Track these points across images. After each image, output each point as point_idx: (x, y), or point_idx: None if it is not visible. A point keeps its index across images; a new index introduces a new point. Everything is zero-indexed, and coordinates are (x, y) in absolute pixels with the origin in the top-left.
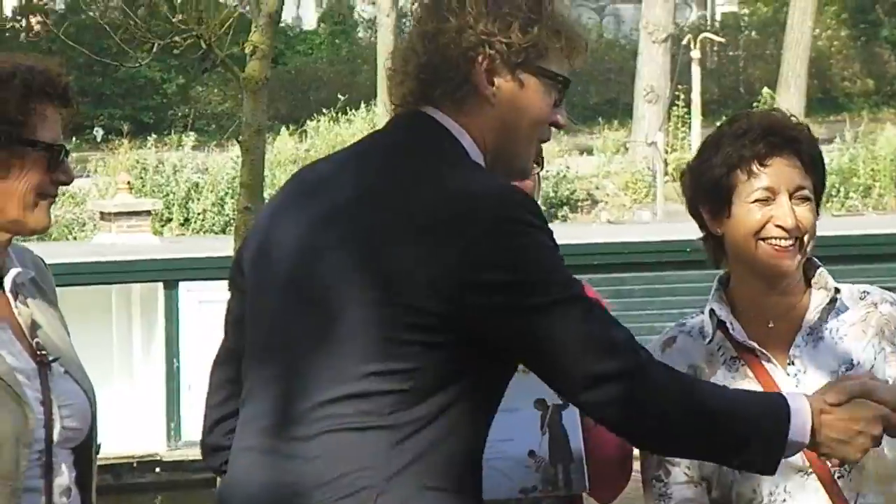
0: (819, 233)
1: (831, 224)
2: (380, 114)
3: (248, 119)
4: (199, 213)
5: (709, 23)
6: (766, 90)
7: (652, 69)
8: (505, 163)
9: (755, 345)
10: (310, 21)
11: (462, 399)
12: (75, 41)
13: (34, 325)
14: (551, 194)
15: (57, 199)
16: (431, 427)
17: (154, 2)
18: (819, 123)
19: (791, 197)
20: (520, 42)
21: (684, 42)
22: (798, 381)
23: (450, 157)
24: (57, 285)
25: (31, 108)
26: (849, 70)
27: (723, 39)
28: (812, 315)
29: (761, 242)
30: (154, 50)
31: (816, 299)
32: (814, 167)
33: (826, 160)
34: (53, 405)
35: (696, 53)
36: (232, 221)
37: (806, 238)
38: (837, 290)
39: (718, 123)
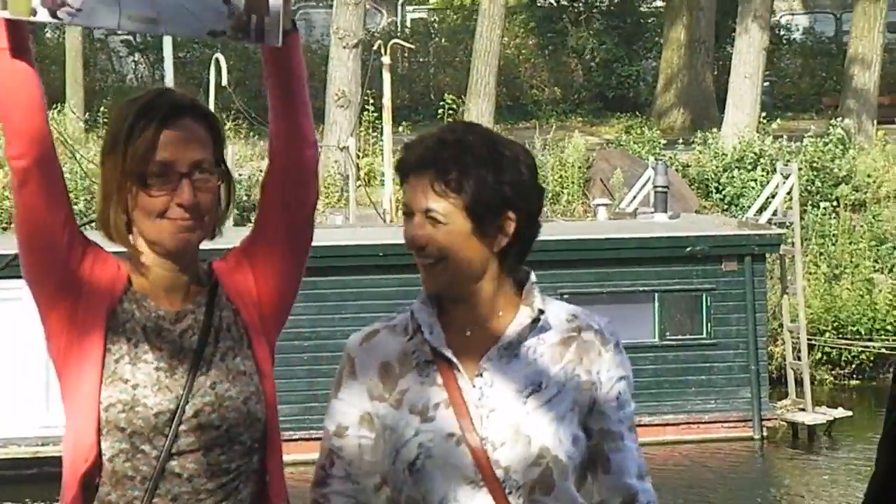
0: None
1: None
2: (69, 116)
3: None
4: None
5: (399, 29)
6: (448, 96)
7: (343, 74)
8: None
9: (449, 353)
10: None
11: None
12: None
13: None
14: (244, 198)
15: None
16: None
17: None
18: (508, 130)
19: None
20: None
21: (375, 48)
22: (482, 394)
23: None
24: None
25: None
26: (537, 78)
27: (413, 46)
28: (512, 330)
29: None
30: None
31: (521, 316)
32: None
33: None
34: None
35: (386, 59)
36: None
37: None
38: (542, 312)
39: (402, 128)
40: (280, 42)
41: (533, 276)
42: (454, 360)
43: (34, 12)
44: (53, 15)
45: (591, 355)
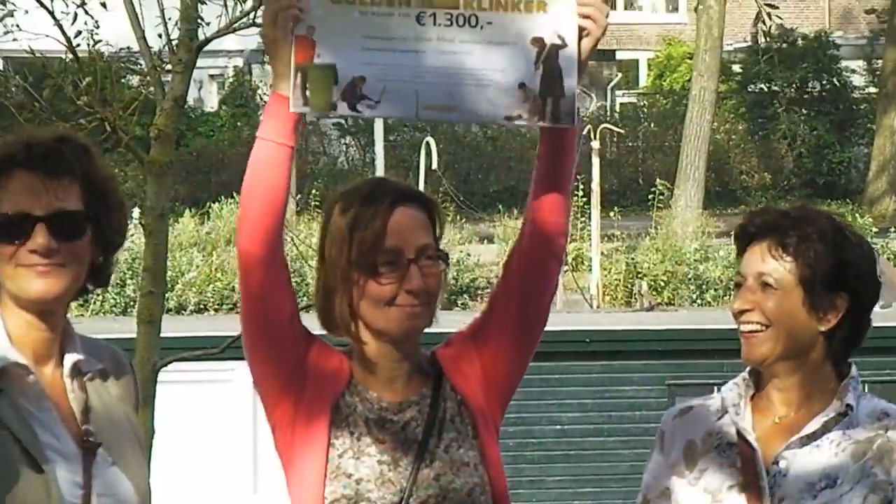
0: (727, 326)
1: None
2: None
3: (151, 202)
4: (98, 294)
5: (608, 113)
6: (658, 182)
7: None
8: None
9: (752, 437)
10: (212, 103)
11: None
12: None
13: (87, 411)
14: (451, 282)
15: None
16: None
17: (58, 83)
18: (717, 216)
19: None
20: None
21: (584, 132)
22: (775, 482)
23: None
24: None
25: None
26: (747, 164)
27: (622, 130)
28: (817, 421)
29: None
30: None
31: (830, 408)
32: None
33: (723, 253)
34: (93, 492)
35: (595, 144)
36: (133, 303)
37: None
38: (850, 407)
39: (612, 214)
40: (575, 123)
41: (854, 371)
42: (755, 445)
43: (334, 107)
44: (353, 108)
45: (893, 456)
